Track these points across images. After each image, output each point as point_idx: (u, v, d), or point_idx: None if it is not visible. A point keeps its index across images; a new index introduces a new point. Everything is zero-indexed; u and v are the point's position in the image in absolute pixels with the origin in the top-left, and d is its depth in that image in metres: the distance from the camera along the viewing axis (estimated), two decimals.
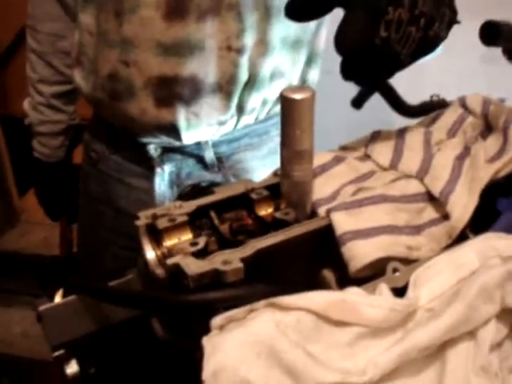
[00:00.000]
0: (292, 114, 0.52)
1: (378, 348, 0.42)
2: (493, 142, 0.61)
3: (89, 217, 1.19)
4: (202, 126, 0.97)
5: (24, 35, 1.23)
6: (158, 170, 1.03)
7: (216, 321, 0.43)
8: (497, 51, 0.84)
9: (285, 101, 0.52)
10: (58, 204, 1.35)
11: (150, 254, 0.51)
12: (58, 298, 0.60)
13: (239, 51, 0.92)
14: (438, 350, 0.43)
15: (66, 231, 1.51)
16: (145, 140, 1.01)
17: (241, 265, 0.47)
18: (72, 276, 0.61)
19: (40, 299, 0.59)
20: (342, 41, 0.55)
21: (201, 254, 0.50)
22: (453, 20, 0.60)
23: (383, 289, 0.46)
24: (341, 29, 0.55)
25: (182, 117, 0.95)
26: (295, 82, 1.04)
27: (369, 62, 0.58)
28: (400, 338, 0.42)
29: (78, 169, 1.22)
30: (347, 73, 0.59)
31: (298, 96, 0.52)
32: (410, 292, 0.46)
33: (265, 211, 0.57)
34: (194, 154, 1.04)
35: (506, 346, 0.46)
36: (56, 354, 0.58)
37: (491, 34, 0.74)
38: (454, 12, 0.60)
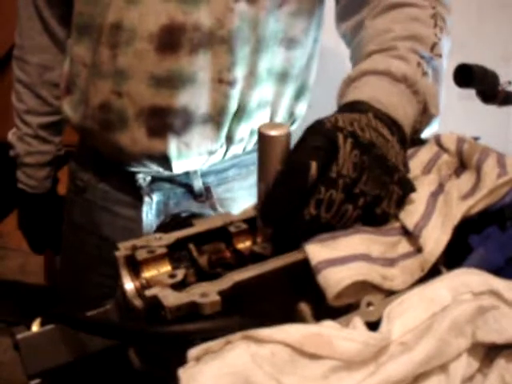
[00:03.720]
0: (268, 149, 0.54)
1: (351, 381, 0.43)
2: (466, 180, 0.62)
3: (72, 245, 1.19)
4: (192, 155, 0.98)
5: (5, 61, 1.24)
6: (146, 198, 1.04)
7: (192, 352, 0.43)
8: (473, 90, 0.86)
9: (261, 137, 0.53)
10: (43, 236, 1.34)
11: (129, 284, 0.52)
12: (35, 327, 0.59)
13: (230, 84, 0.93)
14: None
15: (51, 262, 1.49)
16: (134, 169, 1.01)
17: (218, 297, 0.47)
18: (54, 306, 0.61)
19: (18, 327, 0.59)
20: (265, 215, 0.56)
21: (179, 286, 0.50)
22: (403, 195, 0.58)
23: (357, 322, 0.46)
24: (265, 203, 0.56)
25: (173, 146, 0.96)
26: (282, 114, 1.06)
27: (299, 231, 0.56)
28: (372, 371, 0.43)
29: (63, 200, 1.22)
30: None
31: (273, 132, 0.53)
32: (383, 326, 0.46)
33: (242, 244, 0.57)
34: (183, 183, 1.04)
35: (476, 379, 0.46)
36: (32, 383, 0.57)
37: (465, 76, 0.76)
38: (403, 187, 0.59)
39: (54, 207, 1.29)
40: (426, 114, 0.75)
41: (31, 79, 1.19)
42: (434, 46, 0.80)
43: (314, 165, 0.53)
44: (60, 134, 1.26)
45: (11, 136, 1.23)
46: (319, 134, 0.55)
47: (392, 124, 0.64)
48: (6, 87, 1.28)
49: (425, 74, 0.75)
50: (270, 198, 0.55)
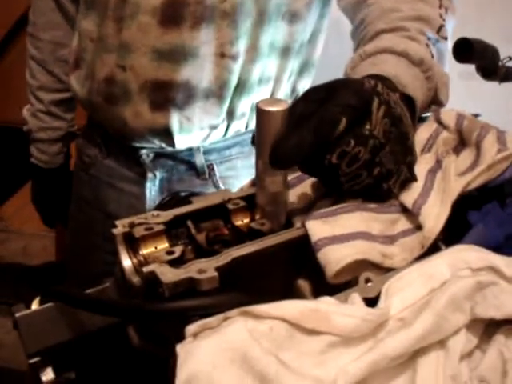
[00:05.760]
0: (265, 125, 0.53)
1: (349, 357, 0.42)
2: (466, 156, 0.62)
3: (79, 221, 1.21)
4: (194, 129, 0.99)
5: (4, 44, 1.24)
6: (150, 175, 1.05)
7: (190, 329, 0.43)
8: (474, 68, 0.86)
9: (259, 112, 0.53)
10: (55, 210, 1.36)
11: (127, 262, 0.52)
12: (35, 305, 0.59)
13: (233, 58, 0.94)
14: (409, 359, 0.44)
15: (62, 238, 1.50)
16: (137, 145, 1.02)
17: (215, 274, 0.47)
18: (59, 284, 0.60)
19: (16, 306, 0.58)
20: (277, 156, 0.53)
21: (177, 263, 0.50)
22: (408, 179, 0.58)
23: (355, 298, 0.46)
24: (281, 143, 0.52)
25: (175, 120, 0.96)
26: (285, 89, 1.06)
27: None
28: (370, 347, 0.43)
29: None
30: None
31: (272, 108, 0.52)
32: (381, 302, 0.46)
33: (241, 221, 0.57)
34: (186, 160, 1.05)
35: (475, 355, 0.46)
36: (32, 361, 0.57)
37: (464, 51, 0.76)
38: (410, 172, 0.59)
39: (65, 182, 1.31)
40: (433, 102, 0.74)
41: (43, 56, 1.21)
42: (440, 29, 0.79)
43: (343, 121, 0.52)
44: (72, 110, 1.28)
45: (25, 112, 1.26)
46: (355, 93, 0.54)
47: (411, 109, 0.64)
48: (6, 70, 1.28)
49: (432, 56, 0.75)
50: (289, 140, 0.52)
